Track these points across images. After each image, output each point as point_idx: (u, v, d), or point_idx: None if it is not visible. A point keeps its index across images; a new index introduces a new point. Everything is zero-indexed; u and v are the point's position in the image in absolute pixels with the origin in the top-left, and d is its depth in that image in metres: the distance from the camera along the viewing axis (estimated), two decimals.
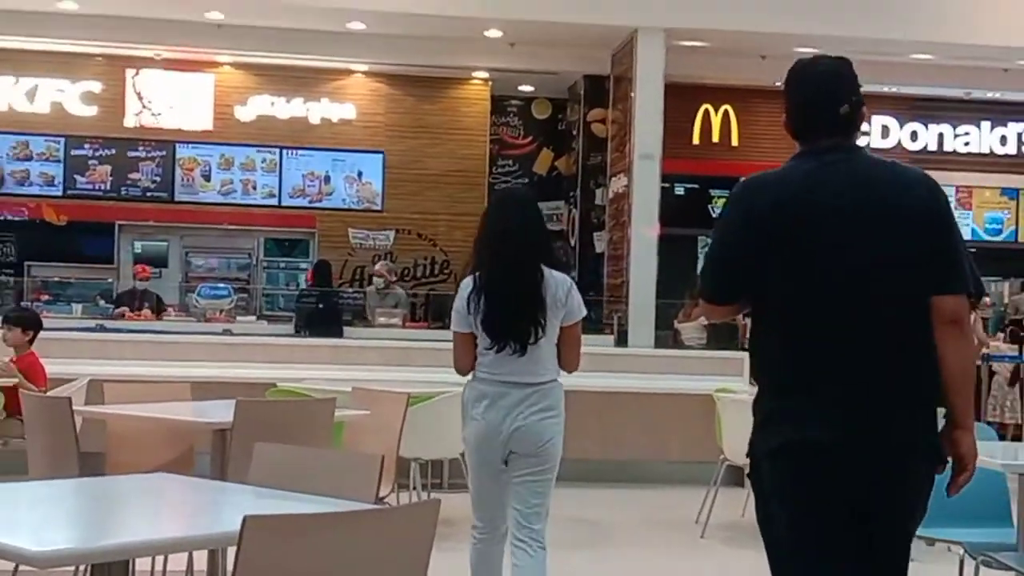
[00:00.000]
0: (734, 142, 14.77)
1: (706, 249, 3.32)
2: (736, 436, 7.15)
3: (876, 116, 14.89)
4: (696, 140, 14.68)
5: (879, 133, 14.96)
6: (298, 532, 2.31)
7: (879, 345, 2.94)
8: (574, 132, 14.70)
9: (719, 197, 14.67)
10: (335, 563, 2.34)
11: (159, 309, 11.84)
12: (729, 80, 14.15)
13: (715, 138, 14.76)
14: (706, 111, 14.73)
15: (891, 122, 15.00)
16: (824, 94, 3.09)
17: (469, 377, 4.44)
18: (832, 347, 2.94)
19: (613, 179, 12.93)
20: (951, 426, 3.01)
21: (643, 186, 11.80)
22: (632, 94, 11.98)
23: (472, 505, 4.46)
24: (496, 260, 4.38)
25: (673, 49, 11.91)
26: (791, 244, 2.97)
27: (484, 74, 14.43)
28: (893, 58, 13.03)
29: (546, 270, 4.36)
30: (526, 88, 15.02)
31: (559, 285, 4.37)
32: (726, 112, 14.74)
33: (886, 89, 14.46)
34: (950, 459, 3.01)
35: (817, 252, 2.96)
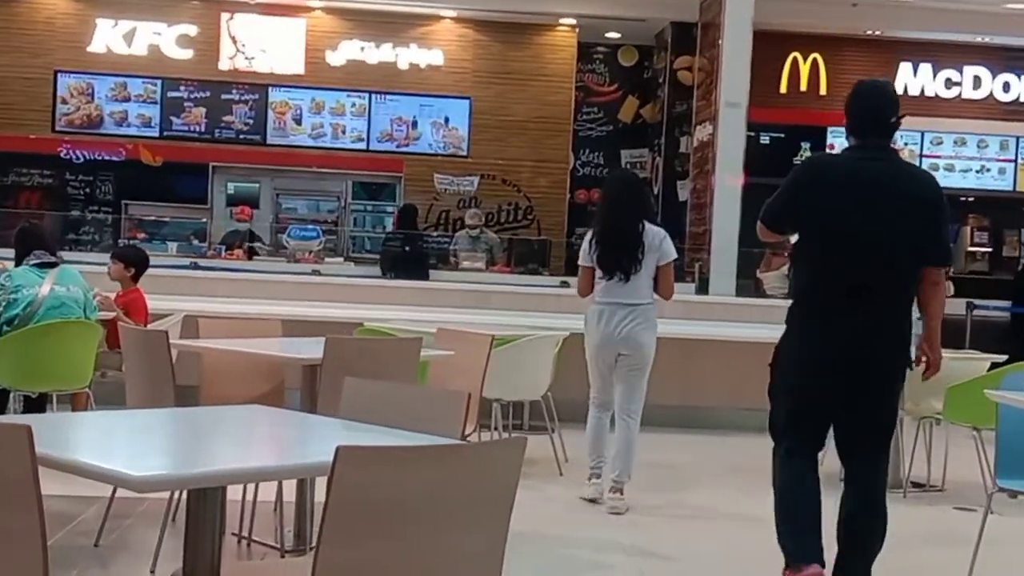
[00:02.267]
0: (822, 91, 14.47)
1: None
2: None
3: (968, 67, 14.49)
4: (783, 89, 14.42)
5: (971, 84, 14.55)
6: (389, 464, 2.33)
7: (876, 290, 4.18)
8: (660, 80, 14.53)
9: (807, 148, 14.41)
10: (424, 495, 2.35)
11: (252, 250, 12.04)
12: (819, 28, 13.87)
13: (803, 87, 14.47)
14: (794, 59, 14.43)
15: (983, 72, 14.57)
16: (881, 106, 4.30)
17: (590, 300, 6.13)
18: (842, 286, 4.18)
19: (698, 127, 12.77)
20: (927, 342, 4.43)
21: (728, 135, 11.64)
22: (720, 41, 11.79)
23: (591, 388, 6.21)
24: (607, 219, 6.15)
25: None
26: (834, 207, 4.20)
27: (571, 20, 14.30)
28: (986, 7, 12.68)
29: (646, 224, 6.05)
30: (612, 35, 14.86)
31: (655, 235, 6.08)
32: (815, 60, 14.44)
33: (979, 39, 14.07)
34: (924, 360, 4.42)
35: (850, 218, 4.18)
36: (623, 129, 15.24)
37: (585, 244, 6.14)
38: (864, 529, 4.27)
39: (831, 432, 4.44)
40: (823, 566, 4.16)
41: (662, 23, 14.07)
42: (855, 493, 4.31)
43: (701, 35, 12.79)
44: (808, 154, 14.27)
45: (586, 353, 6.21)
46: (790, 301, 4.48)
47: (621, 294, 6.01)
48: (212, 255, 11.95)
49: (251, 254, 11.87)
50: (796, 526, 4.25)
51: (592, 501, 6.15)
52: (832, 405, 4.29)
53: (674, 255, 6.16)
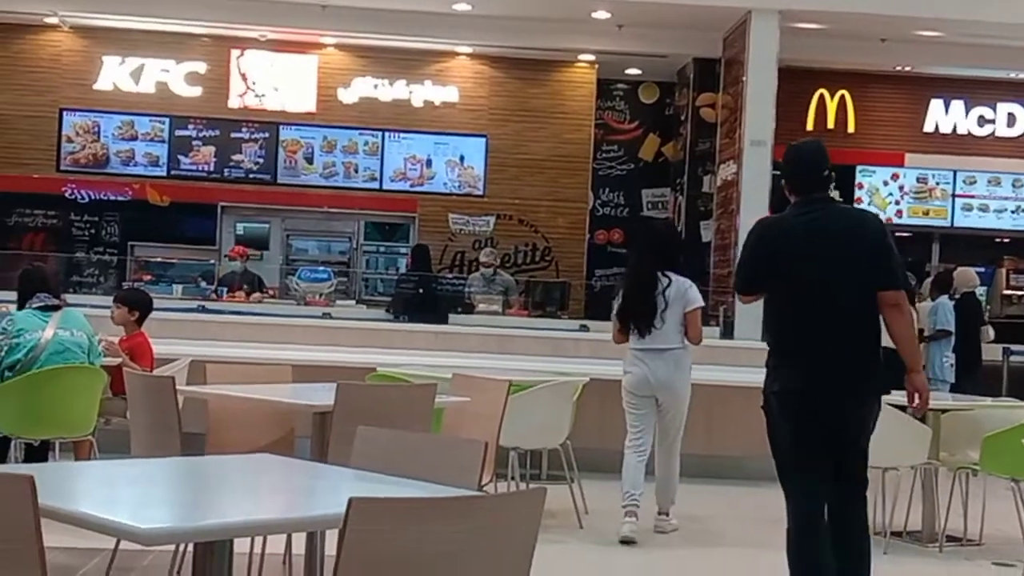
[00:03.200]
0: (850, 128, 14.50)
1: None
2: None
3: (1002, 104, 14.49)
4: (810, 126, 14.44)
5: (1005, 121, 14.54)
6: (404, 516, 2.32)
7: (841, 324, 4.74)
8: (682, 117, 14.58)
9: (835, 187, 14.39)
10: (440, 549, 2.34)
11: (250, 291, 11.94)
12: (846, 64, 13.90)
13: (830, 124, 14.48)
14: (821, 96, 14.47)
15: (1018, 109, 14.56)
16: (814, 164, 5.00)
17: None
18: (812, 325, 4.77)
19: (722, 166, 12.80)
20: (906, 371, 4.85)
21: (753, 174, 11.66)
22: (744, 78, 11.84)
23: (628, 428, 6.72)
24: (630, 276, 7.00)
25: (787, 31, 11.74)
26: (790, 259, 4.84)
27: (590, 57, 14.37)
28: (1021, 42, 12.68)
29: (672, 276, 6.68)
30: (633, 71, 14.92)
31: (680, 284, 6.71)
32: (842, 97, 14.47)
33: (1013, 75, 14.07)
34: (914, 392, 4.86)
35: (805, 264, 4.81)
36: (644, 168, 15.27)
37: (617, 299, 6.86)
38: (858, 560, 4.78)
39: None
40: None
41: (684, 59, 14.12)
42: (845, 525, 4.80)
43: (724, 72, 12.84)
44: (834, 194, 14.29)
45: (623, 396, 6.80)
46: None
47: (650, 341, 6.64)
48: (214, 298, 11.92)
49: (248, 295, 11.81)
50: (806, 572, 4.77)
51: (629, 543, 6.42)
52: (819, 431, 4.75)
53: (699, 303, 6.73)
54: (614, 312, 6.81)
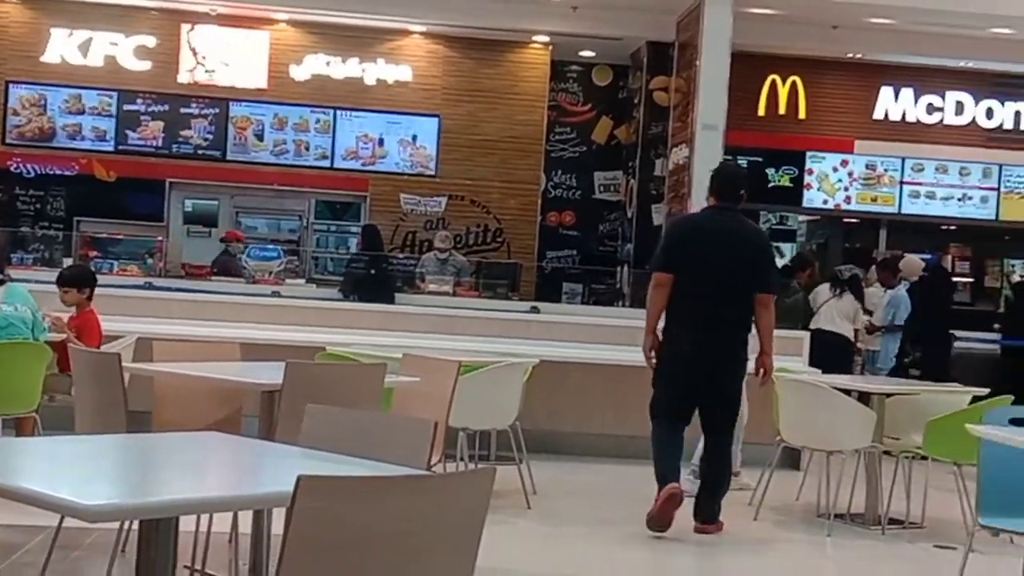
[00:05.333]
0: (801, 114, 14.59)
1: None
2: (793, 417, 7.10)
3: (951, 92, 14.62)
4: (762, 112, 14.52)
5: (953, 109, 14.67)
6: (352, 495, 2.31)
7: (723, 305, 6.33)
8: (635, 100, 14.61)
9: (785, 172, 14.53)
10: (388, 528, 2.34)
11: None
12: (798, 50, 13.98)
13: (782, 110, 14.57)
14: (773, 81, 14.54)
15: (966, 98, 14.69)
16: (740, 184, 6.74)
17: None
18: (702, 302, 6.31)
19: (674, 150, 12.85)
20: (761, 353, 6.51)
21: (705, 158, 11.69)
22: (697, 62, 11.89)
23: None
24: None
25: (741, 16, 11.80)
26: (693, 252, 6.40)
27: (544, 38, 14.37)
28: (972, 31, 12.82)
29: None
30: (587, 53, 14.93)
31: None
32: (794, 83, 14.54)
33: (962, 64, 14.21)
34: (762, 368, 6.56)
35: (703, 258, 6.36)
36: (596, 150, 15.29)
37: None
38: (714, 481, 6.52)
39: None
40: (678, 483, 6.32)
41: (638, 42, 14.14)
42: (710, 458, 6.61)
43: (678, 55, 12.88)
44: (784, 179, 14.50)
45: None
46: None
47: None
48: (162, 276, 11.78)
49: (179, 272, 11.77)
50: (667, 462, 6.34)
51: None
52: (695, 384, 6.40)
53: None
54: None
